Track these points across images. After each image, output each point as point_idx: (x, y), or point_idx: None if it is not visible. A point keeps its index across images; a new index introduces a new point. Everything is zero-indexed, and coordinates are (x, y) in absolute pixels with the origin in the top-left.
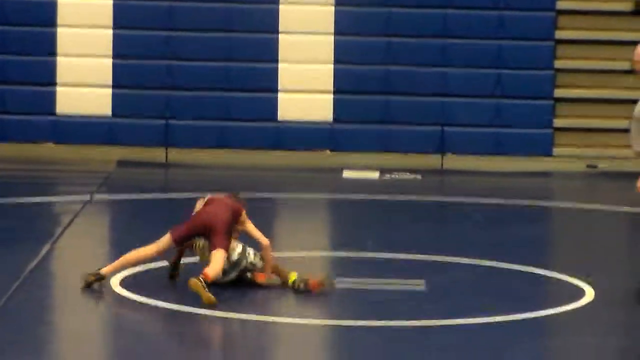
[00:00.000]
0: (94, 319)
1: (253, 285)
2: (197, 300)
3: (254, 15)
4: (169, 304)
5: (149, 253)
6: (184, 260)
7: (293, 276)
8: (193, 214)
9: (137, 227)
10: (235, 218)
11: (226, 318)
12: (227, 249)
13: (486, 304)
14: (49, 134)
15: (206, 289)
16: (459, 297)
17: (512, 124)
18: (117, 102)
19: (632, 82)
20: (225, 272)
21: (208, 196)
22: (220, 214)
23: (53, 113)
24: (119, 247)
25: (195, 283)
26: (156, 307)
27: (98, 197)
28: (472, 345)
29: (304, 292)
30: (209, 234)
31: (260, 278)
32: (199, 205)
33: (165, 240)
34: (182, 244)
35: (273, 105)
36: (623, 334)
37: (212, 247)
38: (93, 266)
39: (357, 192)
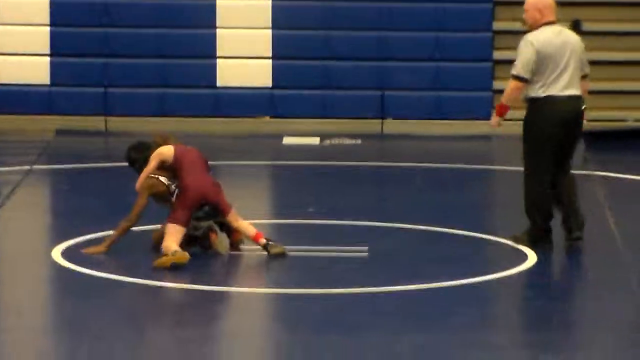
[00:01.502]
0: (36, 291)
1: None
2: (138, 271)
3: None
4: (111, 274)
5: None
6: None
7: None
8: (157, 162)
9: (78, 197)
10: None
11: (169, 288)
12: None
13: (429, 270)
14: None
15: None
16: (403, 262)
17: (452, 87)
18: (55, 70)
19: None
20: (199, 218)
21: (172, 145)
22: (209, 179)
23: None
24: (61, 216)
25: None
26: (98, 278)
27: (38, 167)
28: (417, 311)
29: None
30: (207, 203)
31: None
32: (165, 153)
33: (180, 230)
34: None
35: (212, 71)
36: (564, 297)
37: (223, 213)
38: (36, 237)
39: (297, 159)
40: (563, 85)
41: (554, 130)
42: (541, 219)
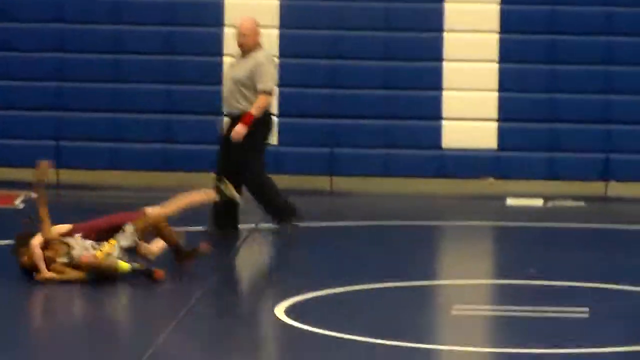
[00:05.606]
0: (262, 349)
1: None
2: (363, 329)
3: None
4: (336, 332)
5: None
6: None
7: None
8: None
9: None
10: None
11: (384, 345)
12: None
13: None
14: None
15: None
16: (623, 324)
17: None
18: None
19: None
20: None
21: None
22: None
23: None
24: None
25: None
26: (323, 336)
27: None
28: None
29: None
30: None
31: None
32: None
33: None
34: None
35: (437, 133)
36: None
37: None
38: None
39: (520, 220)
40: None
41: (268, 135)
42: (284, 200)
